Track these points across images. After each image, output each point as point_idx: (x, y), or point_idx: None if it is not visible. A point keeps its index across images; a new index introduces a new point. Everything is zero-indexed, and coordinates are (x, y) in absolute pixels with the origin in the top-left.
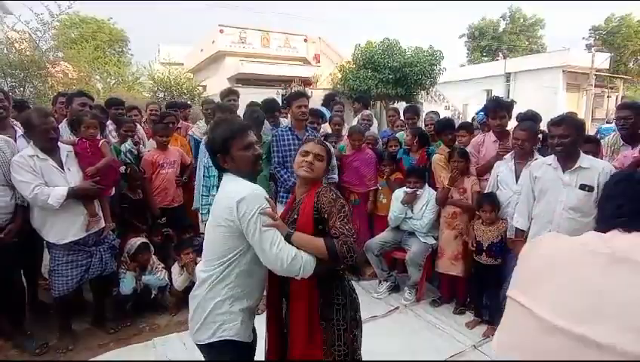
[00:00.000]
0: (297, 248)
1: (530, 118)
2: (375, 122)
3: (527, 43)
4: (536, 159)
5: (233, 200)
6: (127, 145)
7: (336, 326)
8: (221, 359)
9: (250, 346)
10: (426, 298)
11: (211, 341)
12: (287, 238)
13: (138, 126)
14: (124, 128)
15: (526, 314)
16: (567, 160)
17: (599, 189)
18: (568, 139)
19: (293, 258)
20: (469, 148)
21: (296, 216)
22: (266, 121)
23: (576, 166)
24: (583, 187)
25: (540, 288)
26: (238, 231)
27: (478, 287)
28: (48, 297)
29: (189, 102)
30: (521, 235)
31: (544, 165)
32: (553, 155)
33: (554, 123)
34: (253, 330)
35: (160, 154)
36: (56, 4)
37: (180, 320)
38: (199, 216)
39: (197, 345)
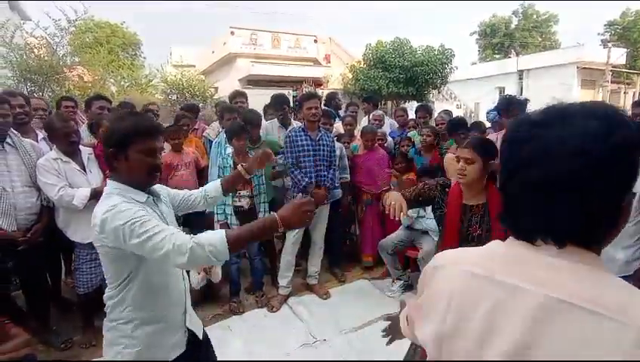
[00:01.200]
0: None
1: None
2: (388, 121)
3: (540, 39)
4: None
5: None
6: None
7: None
8: None
9: None
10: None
11: None
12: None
13: None
14: None
15: None
16: None
17: None
18: None
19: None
20: None
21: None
22: (265, 121)
23: None
24: None
25: None
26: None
27: None
28: (71, 295)
29: (199, 105)
30: None
31: None
32: None
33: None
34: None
35: (174, 156)
36: (73, 10)
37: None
38: (215, 216)
39: None
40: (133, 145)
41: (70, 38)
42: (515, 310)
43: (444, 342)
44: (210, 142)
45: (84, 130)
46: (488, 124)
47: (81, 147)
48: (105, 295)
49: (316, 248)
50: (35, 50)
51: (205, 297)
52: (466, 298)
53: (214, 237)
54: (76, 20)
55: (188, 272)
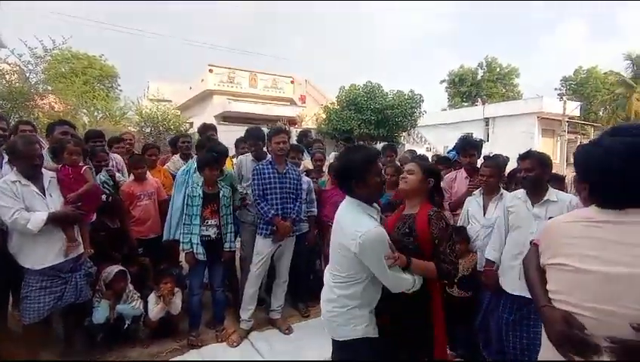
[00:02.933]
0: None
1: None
2: None
3: (504, 90)
4: (501, 194)
5: (356, 235)
6: (102, 176)
7: None
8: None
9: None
10: None
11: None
12: (408, 266)
13: (118, 156)
14: (96, 159)
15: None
16: (536, 193)
17: None
18: (533, 173)
19: (405, 280)
20: (442, 184)
21: (407, 230)
22: (243, 156)
23: (544, 199)
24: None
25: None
26: (359, 261)
27: (451, 321)
28: (17, 325)
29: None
30: (492, 265)
31: (515, 198)
32: (523, 189)
33: (521, 157)
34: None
35: (137, 185)
36: (51, 40)
37: (151, 352)
38: (181, 245)
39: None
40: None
41: (45, 67)
42: None
43: None
44: (171, 174)
45: (45, 153)
46: None
47: (43, 170)
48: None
49: (280, 281)
50: (7, 76)
51: (163, 330)
52: None
53: None
54: (53, 49)
55: (146, 303)
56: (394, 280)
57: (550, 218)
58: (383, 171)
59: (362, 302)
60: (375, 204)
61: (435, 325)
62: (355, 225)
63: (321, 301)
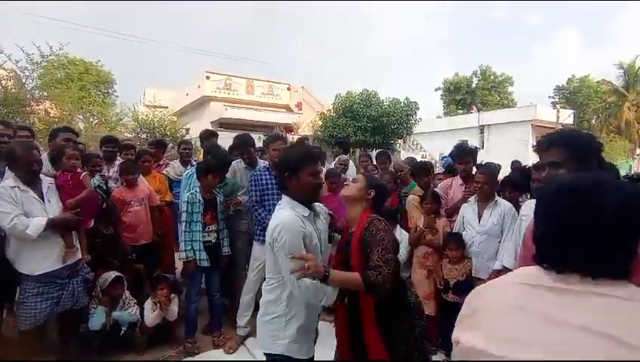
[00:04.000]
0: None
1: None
2: (353, 167)
3: (498, 98)
4: (496, 201)
5: (273, 223)
6: (96, 180)
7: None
8: None
9: None
10: None
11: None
12: (325, 279)
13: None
14: (91, 164)
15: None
16: None
17: None
18: None
19: (317, 291)
20: (438, 191)
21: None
22: (235, 163)
23: None
24: None
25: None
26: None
27: (447, 326)
28: (11, 331)
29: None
30: (496, 274)
31: (529, 207)
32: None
33: (535, 167)
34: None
35: (128, 191)
36: (48, 45)
37: (147, 359)
38: (182, 253)
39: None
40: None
41: (41, 73)
42: None
43: None
44: (170, 179)
45: (44, 158)
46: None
47: (42, 176)
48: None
49: None
50: (3, 82)
51: (160, 336)
52: None
53: None
54: (50, 55)
55: (142, 309)
56: (301, 286)
57: None
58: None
59: (288, 311)
60: (320, 207)
61: (369, 346)
62: (275, 217)
63: None
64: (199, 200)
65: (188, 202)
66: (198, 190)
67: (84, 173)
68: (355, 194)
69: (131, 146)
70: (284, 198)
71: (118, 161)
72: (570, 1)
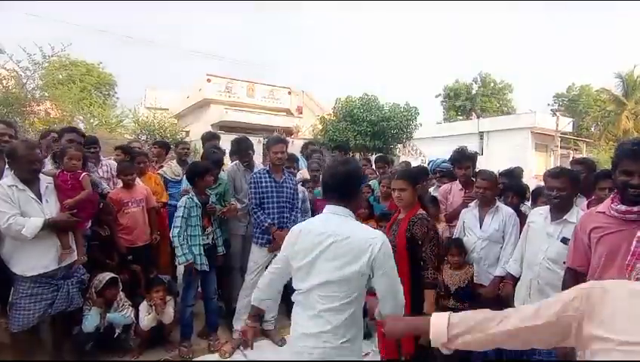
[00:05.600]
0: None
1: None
2: None
3: (498, 105)
4: (497, 206)
5: (372, 239)
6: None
7: None
8: None
9: None
10: None
11: None
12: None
13: (114, 163)
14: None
15: None
16: (558, 211)
17: None
18: (565, 193)
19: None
20: (438, 196)
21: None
22: (235, 165)
23: (563, 218)
24: (564, 240)
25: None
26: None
27: None
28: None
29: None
30: (511, 279)
31: (537, 214)
32: (548, 206)
33: (553, 175)
34: None
35: (125, 192)
36: (50, 46)
37: None
38: (181, 257)
39: None
40: None
41: (42, 74)
42: None
43: None
44: (166, 179)
45: (47, 158)
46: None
47: (40, 175)
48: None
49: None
50: (4, 82)
51: (154, 339)
52: None
53: None
54: (52, 56)
55: (137, 312)
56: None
57: (563, 238)
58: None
59: (358, 327)
60: None
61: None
62: (365, 231)
63: (297, 338)
64: (196, 203)
65: (185, 207)
66: (193, 194)
67: (84, 173)
68: (412, 200)
69: (118, 146)
70: (345, 210)
71: (103, 160)
72: (571, 5)
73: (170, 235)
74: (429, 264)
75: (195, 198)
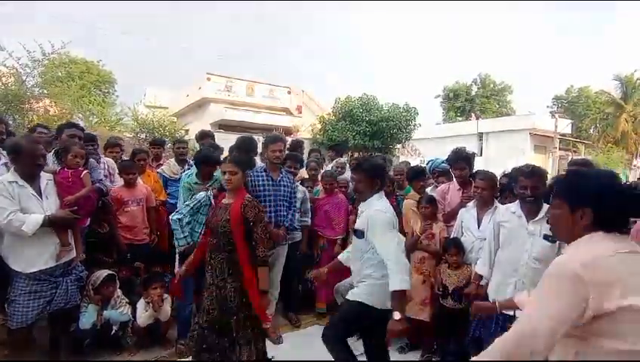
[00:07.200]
0: None
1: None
2: (349, 170)
3: (497, 106)
4: (496, 207)
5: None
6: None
7: None
8: None
9: None
10: (393, 344)
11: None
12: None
13: (111, 161)
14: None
15: None
16: (532, 210)
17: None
18: (539, 191)
19: None
20: (435, 196)
21: (228, 217)
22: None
23: (540, 216)
24: (546, 237)
25: None
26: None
27: (444, 333)
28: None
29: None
30: (479, 279)
31: (509, 212)
32: (517, 203)
33: (526, 175)
34: None
35: (125, 191)
36: (50, 43)
37: (139, 360)
38: (180, 241)
39: None
40: None
41: (42, 71)
42: None
43: None
44: (164, 177)
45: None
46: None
47: (41, 172)
48: None
49: (272, 290)
50: (3, 79)
51: (151, 337)
52: None
53: None
54: (51, 54)
55: (134, 309)
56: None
57: (545, 235)
58: None
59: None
60: None
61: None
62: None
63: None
64: (210, 203)
65: (200, 201)
66: (211, 194)
67: (85, 170)
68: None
69: (117, 144)
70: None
71: (101, 158)
72: (571, 6)
73: (170, 218)
74: (259, 244)
75: (211, 198)
